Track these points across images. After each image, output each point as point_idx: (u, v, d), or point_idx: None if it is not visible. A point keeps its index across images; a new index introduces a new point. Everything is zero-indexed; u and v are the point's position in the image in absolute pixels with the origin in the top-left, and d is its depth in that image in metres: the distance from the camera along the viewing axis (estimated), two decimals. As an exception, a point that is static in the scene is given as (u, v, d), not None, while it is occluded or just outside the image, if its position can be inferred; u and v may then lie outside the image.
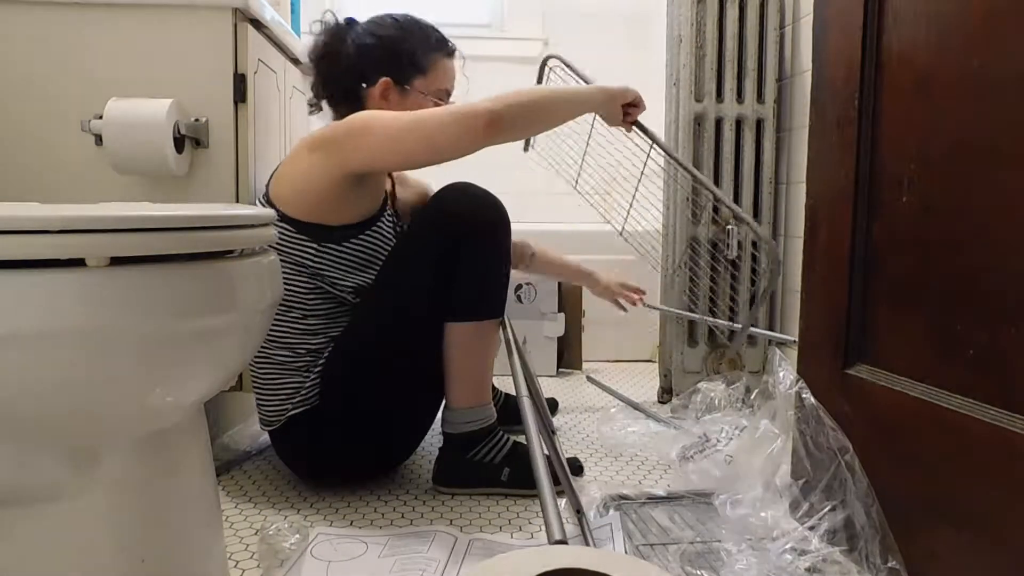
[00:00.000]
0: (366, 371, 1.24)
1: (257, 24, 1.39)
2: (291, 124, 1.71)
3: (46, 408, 0.63)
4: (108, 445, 0.69)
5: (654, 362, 2.37)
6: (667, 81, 1.86)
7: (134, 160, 1.25)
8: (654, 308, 1.85)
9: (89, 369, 0.62)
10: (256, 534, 1.11)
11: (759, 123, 1.81)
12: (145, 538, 0.72)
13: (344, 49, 1.36)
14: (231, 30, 1.32)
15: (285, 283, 1.25)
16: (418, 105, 1.34)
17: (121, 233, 0.61)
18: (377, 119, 1.18)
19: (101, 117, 1.23)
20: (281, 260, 1.23)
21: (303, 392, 1.25)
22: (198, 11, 1.30)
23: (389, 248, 1.30)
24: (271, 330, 1.25)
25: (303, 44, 1.74)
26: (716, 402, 1.56)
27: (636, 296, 1.86)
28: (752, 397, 1.40)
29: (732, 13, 1.79)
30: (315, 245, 1.23)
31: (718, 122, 1.81)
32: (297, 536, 1.08)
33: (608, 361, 2.46)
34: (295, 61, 1.72)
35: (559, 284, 2.24)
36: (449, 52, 1.40)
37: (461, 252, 1.23)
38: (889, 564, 0.92)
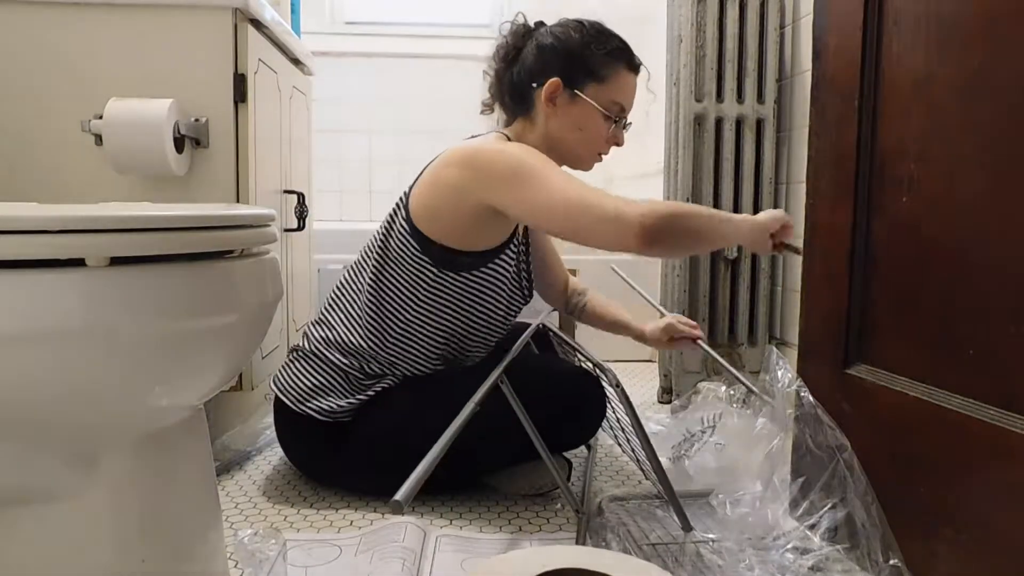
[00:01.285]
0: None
1: (257, 24, 1.39)
2: (291, 124, 1.71)
3: (46, 408, 0.63)
4: (108, 445, 0.69)
5: (654, 362, 2.37)
6: (667, 81, 1.86)
7: (134, 160, 1.25)
8: (708, 352, 1.61)
9: (89, 369, 0.62)
10: (235, 537, 1.11)
11: (759, 123, 1.81)
12: (145, 538, 0.72)
13: (526, 49, 1.31)
14: (231, 30, 1.32)
15: (390, 294, 1.24)
16: (586, 115, 1.27)
17: (121, 233, 0.61)
18: (539, 174, 1.12)
19: (101, 117, 1.23)
20: (392, 274, 1.23)
21: (330, 400, 1.24)
22: (198, 11, 1.30)
23: (504, 285, 1.27)
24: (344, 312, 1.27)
25: (303, 44, 1.74)
26: (717, 402, 1.55)
27: (695, 334, 1.58)
28: (752, 397, 1.40)
29: (732, 13, 1.79)
30: (433, 270, 1.20)
31: (718, 122, 1.81)
32: (273, 541, 1.07)
33: (608, 361, 2.46)
34: (295, 61, 1.73)
35: None
36: (632, 66, 1.31)
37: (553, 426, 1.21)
38: (891, 562, 0.93)
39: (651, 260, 2.44)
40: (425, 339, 1.25)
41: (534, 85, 1.27)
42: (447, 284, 1.22)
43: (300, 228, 1.70)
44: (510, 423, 1.12)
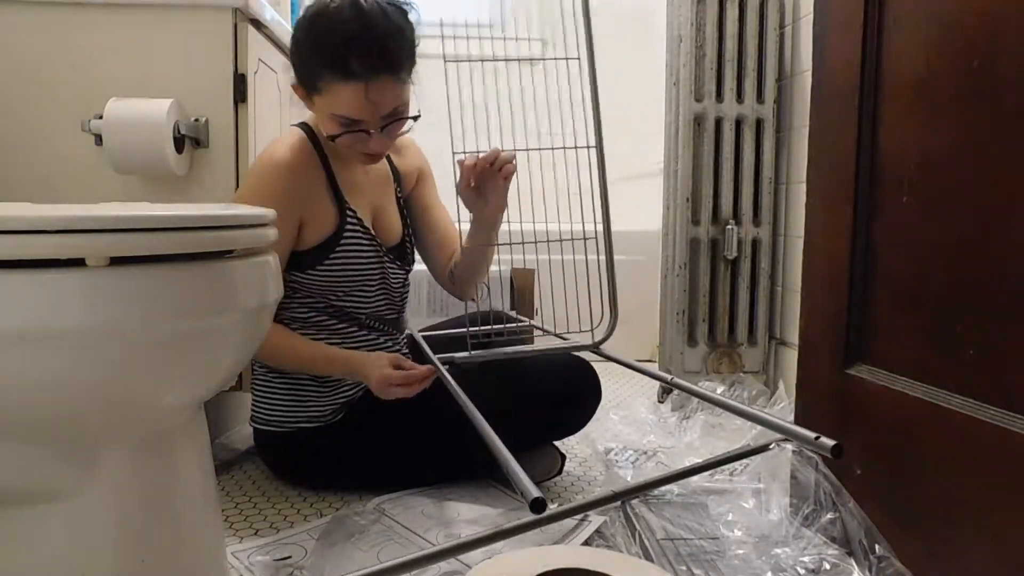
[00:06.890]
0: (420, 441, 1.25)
1: (257, 24, 1.39)
2: (291, 124, 1.70)
3: (46, 408, 0.63)
4: (108, 445, 0.69)
5: (654, 362, 2.37)
6: (667, 81, 1.86)
7: (134, 160, 1.25)
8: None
9: (89, 369, 0.62)
10: (257, 535, 1.11)
11: (759, 123, 1.81)
12: (145, 538, 0.71)
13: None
14: (231, 30, 1.32)
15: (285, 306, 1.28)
16: (328, 125, 1.19)
17: (121, 233, 0.61)
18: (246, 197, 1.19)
19: (101, 117, 1.23)
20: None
21: (311, 408, 1.27)
22: (198, 11, 1.30)
23: (368, 263, 1.29)
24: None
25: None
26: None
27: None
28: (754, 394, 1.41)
29: (732, 13, 1.79)
30: (285, 273, 1.24)
31: (718, 122, 1.81)
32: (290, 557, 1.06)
33: (608, 361, 2.46)
34: (295, 61, 1.72)
35: (511, 281, 2.16)
36: (346, 75, 1.11)
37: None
38: (877, 554, 0.92)
39: (649, 260, 2.44)
40: (315, 328, 1.29)
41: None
42: (302, 283, 1.26)
43: (300, 228, 1.69)
44: (496, 420, 1.10)
